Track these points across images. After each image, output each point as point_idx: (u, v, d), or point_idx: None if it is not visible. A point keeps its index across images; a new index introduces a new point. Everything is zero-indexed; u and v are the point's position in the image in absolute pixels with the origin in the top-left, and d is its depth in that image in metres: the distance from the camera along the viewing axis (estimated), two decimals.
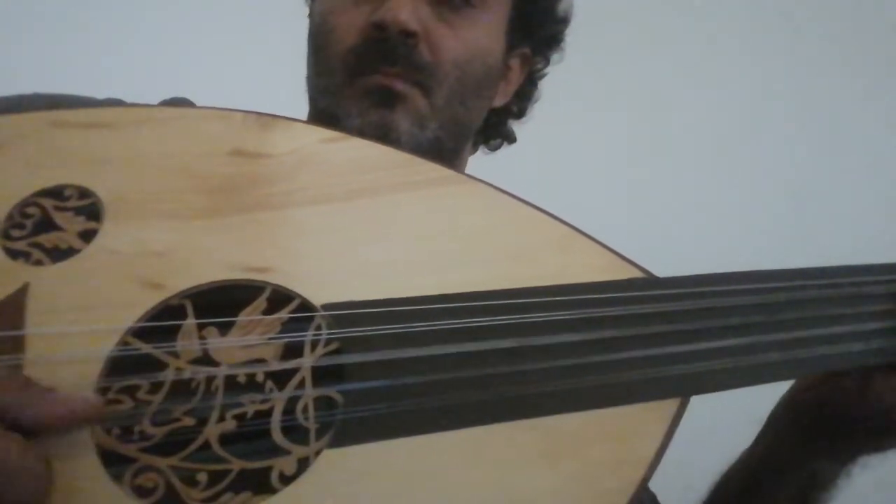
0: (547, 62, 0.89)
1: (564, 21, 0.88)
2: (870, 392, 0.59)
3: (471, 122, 0.80)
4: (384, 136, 0.70)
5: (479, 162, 0.89)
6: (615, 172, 1.61)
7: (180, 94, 0.80)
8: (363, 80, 0.72)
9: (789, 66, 1.71)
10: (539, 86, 0.91)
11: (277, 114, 0.60)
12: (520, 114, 0.90)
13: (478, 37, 0.76)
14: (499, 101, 0.84)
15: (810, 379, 0.64)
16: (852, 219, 1.55)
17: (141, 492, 0.44)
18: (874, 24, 1.73)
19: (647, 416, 0.50)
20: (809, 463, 0.65)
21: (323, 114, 0.75)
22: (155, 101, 0.76)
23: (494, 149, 0.91)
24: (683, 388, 0.51)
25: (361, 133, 0.68)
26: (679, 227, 1.54)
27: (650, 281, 0.55)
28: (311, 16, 0.82)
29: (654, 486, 0.77)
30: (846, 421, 0.61)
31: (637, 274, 0.55)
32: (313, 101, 0.79)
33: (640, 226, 1.42)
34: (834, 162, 1.66)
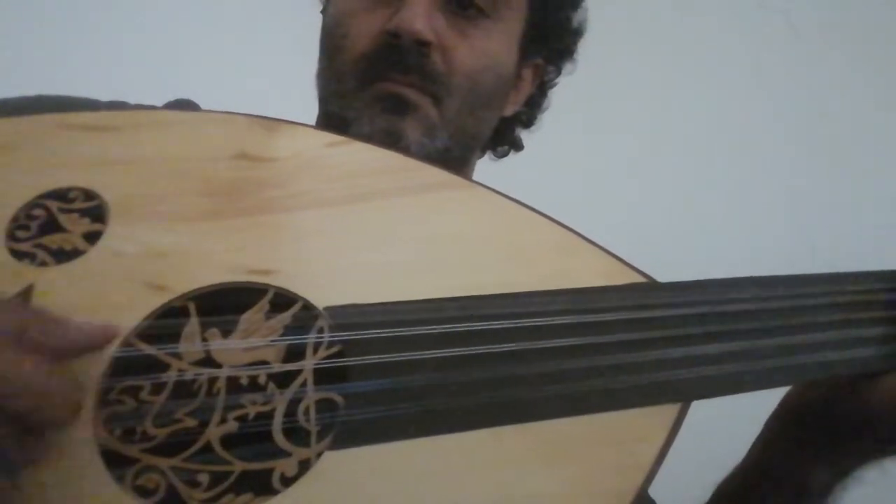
0: (559, 72, 0.89)
1: (579, 32, 0.88)
2: (856, 396, 0.58)
3: (480, 133, 0.79)
4: (393, 143, 0.69)
5: (483, 166, 0.89)
6: (616, 177, 1.61)
7: (185, 96, 0.81)
8: (375, 87, 0.72)
9: (790, 69, 1.71)
10: (549, 95, 0.91)
11: (284, 114, 0.61)
12: (529, 122, 0.90)
13: (491, 48, 0.75)
14: (509, 111, 0.84)
15: (799, 384, 0.64)
16: (853, 224, 1.55)
17: (142, 492, 0.44)
18: (874, 25, 1.73)
19: (647, 421, 0.50)
20: (799, 471, 0.64)
21: (333, 117, 0.75)
22: (160, 102, 0.77)
23: (502, 156, 0.91)
24: (684, 393, 0.51)
25: (370, 139, 0.68)
26: (681, 231, 1.54)
27: (651, 286, 0.55)
28: (324, 14, 0.82)
29: (656, 495, 0.77)
30: (833, 424, 0.60)
31: (638, 279, 0.55)
32: (323, 103, 0.78)
33: (642, 230, 1.42)
34: (836, 167, 1.66)
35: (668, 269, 0.57)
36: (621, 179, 1.61)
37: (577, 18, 0.87)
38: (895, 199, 1.58)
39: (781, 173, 1.65)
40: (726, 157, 1.65)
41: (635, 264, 0.56)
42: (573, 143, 1.56)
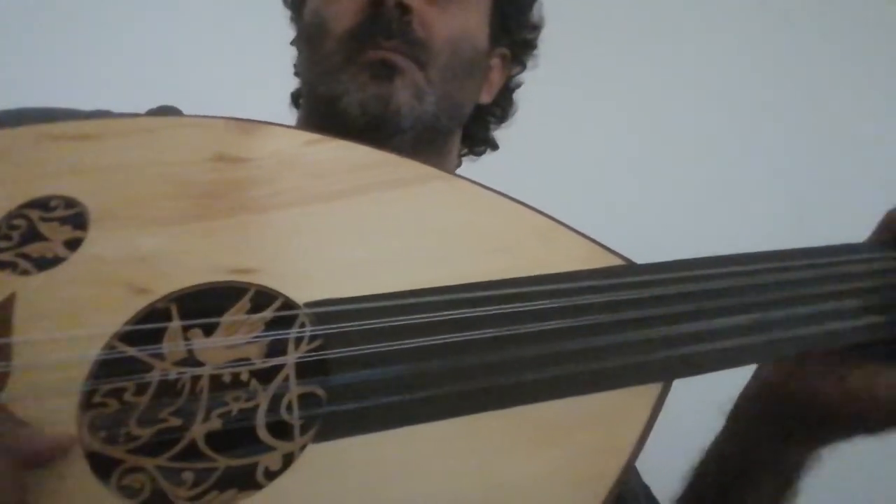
0: (523, 68, 0.92)
1: (537, 28, 0.92)
2: (834, 372, 0.58)
3: (463, 102, 0.82)
4: (384, 107, 0.72)
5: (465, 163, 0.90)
6: (611, 173, 1.61)
7: (168, 102, 0.82)
8: (361, 57, 0.74)
9: (786, 64, 1.70)
10: (515, 99, 0.94)
11: (268, 117, 0.61)
12: (502, 118, 0.93)
13: (467, 20, 0.80)
14: (485, 97, 0.87)
15: (777, 368, 0.64)
16: (850, 216, 1.54)
17: (128, 492, 0.44)
18: (873, 22, 1.73)
19: (629, 402, 0.50)
20: (782, 456, 0.64)
21: (322, 99, 0.76)
22: (143, 109, 0.77)
23: (479, 154, 0.95)
24: (665, 372, 0.51)
25: (362, 106, 0.72)
26: (677, 226, 1.54)
27: (629, 268, 0.55)
28: (299, 20, 0.85)
29: (647, 479, 0.78)
30: (814, 407, 0.60)
31: (617, 262, 0.55)
32: (311, 91, 0.81)
33: (637, 226, 1.42)
34: (832, 159, 1.65)
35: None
36: (617, 173, 1.61)
37: (534, 14, 0.91)
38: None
39: (779, 169, 1.64)
40: (723, 154, 1.65)
41: (632, 258, 0.57)
42: (572, 140, 1.56)
